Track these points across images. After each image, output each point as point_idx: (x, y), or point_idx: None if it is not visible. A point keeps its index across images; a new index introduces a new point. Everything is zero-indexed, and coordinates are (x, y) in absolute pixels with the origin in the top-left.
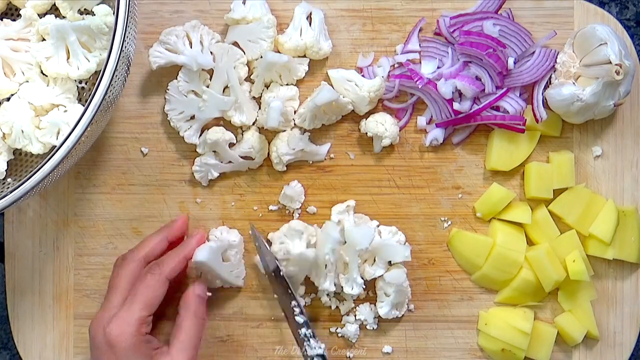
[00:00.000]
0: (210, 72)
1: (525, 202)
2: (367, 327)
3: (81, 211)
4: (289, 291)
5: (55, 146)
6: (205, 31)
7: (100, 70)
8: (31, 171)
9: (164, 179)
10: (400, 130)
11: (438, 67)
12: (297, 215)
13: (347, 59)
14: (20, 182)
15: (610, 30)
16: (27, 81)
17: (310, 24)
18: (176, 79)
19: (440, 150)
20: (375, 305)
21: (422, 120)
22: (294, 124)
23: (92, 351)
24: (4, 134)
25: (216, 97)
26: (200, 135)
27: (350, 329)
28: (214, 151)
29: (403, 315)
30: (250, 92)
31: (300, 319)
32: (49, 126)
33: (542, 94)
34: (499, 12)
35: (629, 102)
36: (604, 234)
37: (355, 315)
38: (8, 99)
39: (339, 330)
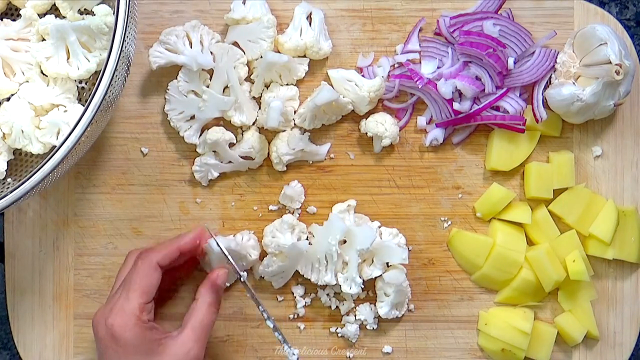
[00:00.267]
0: (210, 72)
1: (525, 202)
2: (367, 327)
3: (81, 211)
4: (254, 298)
5: (55, 146)
6: (205, 31)
7: (100, 70)
8: (31, 171)
9: (164, 179)
10: (400, 130)
11: (438, 67)
12: (297, 215)
13: (347, 59)
14: (20, 182)
15: (610, 30)
16: (27, 81)
17: (310, 24)
18: (176, 79)
19: (440, 150)
20: (375, 305)
21: (422, 120)
22: (294, 124)
23: (97, 344)
24: (4, 134)
25: (216, 97)
26: (200, 135)
27: (350, 329)
28: (214, 151)
29: (403, 315)
30: (250, 92)
31: (269, 324)
32: (49, 126)
33: (542, 94)
34: (499, 12)
35: (629, 102)
36: (604, 234)
37: (355, 315)
38: (8, 99)
39: (339, 330)
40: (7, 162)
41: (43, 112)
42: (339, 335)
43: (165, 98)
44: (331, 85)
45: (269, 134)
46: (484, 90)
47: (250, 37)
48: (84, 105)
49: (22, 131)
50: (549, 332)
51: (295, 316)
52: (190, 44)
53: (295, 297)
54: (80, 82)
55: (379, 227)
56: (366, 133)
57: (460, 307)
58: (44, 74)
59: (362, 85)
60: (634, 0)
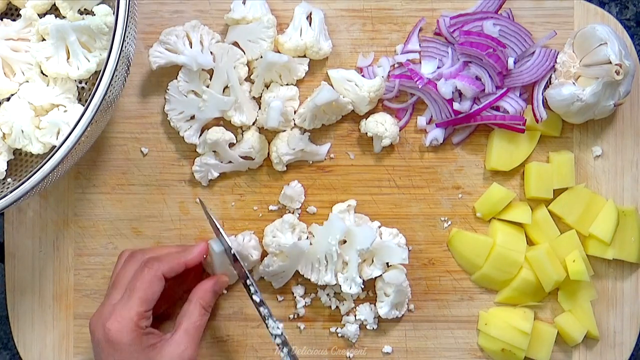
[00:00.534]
0: (210, 72)
1: (525, 202)
2: (367, 327)
3: (81, 211)
4: (243, 270)
5: (55, 146)
6: (205, 31)
7: (100, 70)
8: (31, 171)
9: (164, 179)
10: (400, 130)
11: (438, 67)
12: (297, 215)
13: (347, 59)
14: (20, 182)
15: (610, 30)
16: (27, 81)
17: (310, 24)
18: (176, 79)
19: (440, 150)
20: (375, 305)
21: (422, 120)
22: (294, 124)
23: (93, 346)
24: (4, 134)
25: (216, 97)
26: (200, 135)
27: (350, 329)
28: (214, 151)
29: (403, 315)
30: (250, 92)
31: (256, 298)
32: (49, 126)
33: (542, 94)
34: (499, 12)
35: (629, 102)
36: (604, 234)
37: (355, 315)
38: (8, 99)
39: (339, 330)
40: (7, 162)
41: (43, 112)
42: (339, 335)
43: (165, 98)
44: (331, 85)
45: (269, 134)
46: (484, 90)
47: (250, 37)
48: (84, 105)
49: (22, 131)
50: (549, 332)
51: (295, 316)
52: (190, 44)
53: (295, 297)
54: (80, 82)
55: (379, 227)
56: (366, 133)
57: (460, 307)
58: (44, 74)
59: (362, 85)
60: (634, 0)
